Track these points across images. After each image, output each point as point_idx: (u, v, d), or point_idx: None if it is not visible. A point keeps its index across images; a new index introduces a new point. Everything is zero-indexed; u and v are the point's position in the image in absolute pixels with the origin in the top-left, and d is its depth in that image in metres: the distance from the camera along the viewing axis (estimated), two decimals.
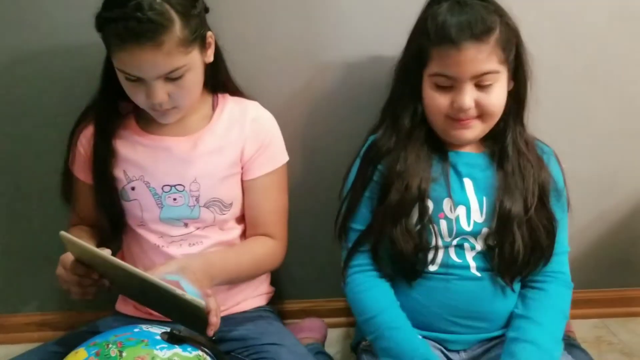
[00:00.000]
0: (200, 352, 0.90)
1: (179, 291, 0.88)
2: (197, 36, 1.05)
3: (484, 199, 1.12)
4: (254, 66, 1.32)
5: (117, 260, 0.92)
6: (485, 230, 1.10)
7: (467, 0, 1.05)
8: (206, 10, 1.10)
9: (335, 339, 1.53)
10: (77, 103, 1.20)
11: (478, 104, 1.05)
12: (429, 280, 1.12)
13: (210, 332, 0.93)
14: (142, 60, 0.99)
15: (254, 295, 1.27)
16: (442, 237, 1.11)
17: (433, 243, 1.11)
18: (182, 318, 0.98)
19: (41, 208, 1.45)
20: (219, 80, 1.20)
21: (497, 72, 1.03)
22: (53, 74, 1.33)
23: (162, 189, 1.14)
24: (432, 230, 1.10)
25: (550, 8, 1.34)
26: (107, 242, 1.18)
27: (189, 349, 0.89)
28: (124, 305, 1.25)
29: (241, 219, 1.24)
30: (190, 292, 0.92)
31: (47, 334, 1.50)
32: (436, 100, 1.07)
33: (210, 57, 1.11)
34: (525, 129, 1.15)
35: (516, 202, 1.09)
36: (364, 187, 1.15)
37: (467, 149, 1.15)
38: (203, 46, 1.08)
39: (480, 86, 1.04)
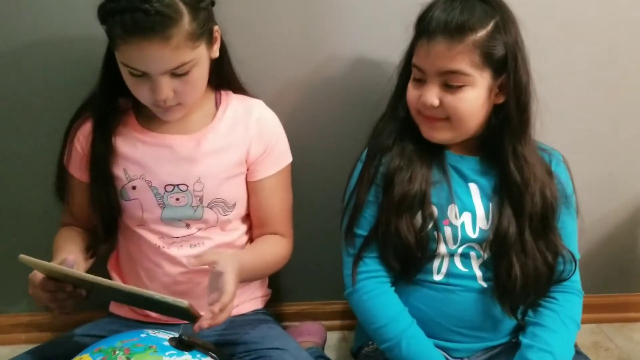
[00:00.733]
0: (209, 359, 0.87)
1: (157, 295, 0.86)
2: (205, 30, 1.02)
3: (490, 205, 1.10)
4: (255, 63, 1.30)
5: (83, 274, 0.91)
6: (491, 237, 1.09)
7: None
8: (212, 3, 1.07)
9: (331, 342, 1.51)
10: (72, 98, 1.16)
11: (444, 104, 1.03)
12: (434, 291, 1.11)
13: (201, 325, 0.89)
14: (148, 54, 0.96)
15: (251, 298, 1.24)
16: (446, 245, 1.09)
17: (437, 250, 1.09)
18: (172, 313, 0.97)
19: (29, 206, 1.41)
20: (223, 77, 1.17)
21: (466, 74, 1.01)
22: (47, 67, 1.30)
23: (165, 188, 1.11)
24: (436, 236, 1.08)
25: (554, 10, 1.34)
26: (99, 243, 1.16)
27: (199, 355, 0.87)
28: (119, 307, 1.21)
29: (243, 219, 1.21)
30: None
31: (35, 335, 1.47)
32: (410, 92, 1.09)
33: (216, 52, 1.08)
34: (530, 145, 1.09)
35: (514, 226, 1.07)
36: (368, 189, 1.13)
37: (461, 152, 1.13)
38: (210, 41, 1.05)
39: (449, 86, 1.02)
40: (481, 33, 1.00)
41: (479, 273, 1.10)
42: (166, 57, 0.97)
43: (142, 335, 0.88)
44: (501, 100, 1.06)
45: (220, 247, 1.16)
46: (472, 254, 1.10)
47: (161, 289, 1.12)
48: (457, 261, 1.10)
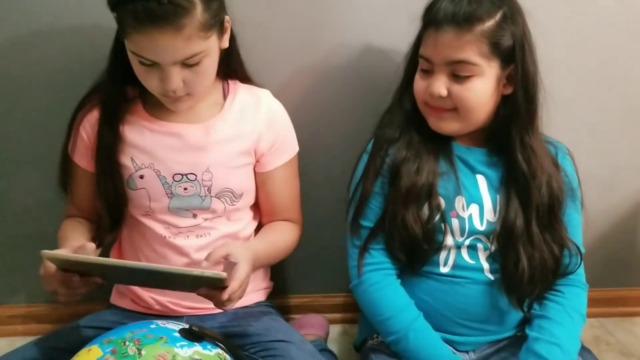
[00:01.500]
0: (220, 351, 0.86)
1: (196, 271, 0.86)
2: (217, 21, 1.00)
3: (497, 197, 1.10)
4: (262, 53, 1.29)
5: (112, 260, 0.91)
6: (498, 229, 1.08)
7: None
8: None
9: (332, 336, 1.50)
10: (77, 86, 1.15)
11: (452, 95, 1.03)
12: (440, 283, 1.10)
13: (225, 295, 0.92)
14: (160, 44, 0.94)
15: (254, 290, 1.23)
16: (453, 237, 1.09)
17: (444, 242, 1.09)
18: (191, 290, 0.97)
19: (29, 196, 1.39)
20: (231, 67, 1.16)
21: (474, 64, 1.01)
22: (52, 55, 1.28)
23: (173, 177, 1.10)
24: (443, 228, 1.08)
25: (559, 5, 1.33)
26: (104, 234, 1.14)
27: (209, 346, 0.86)
28: (120, 299, 1.20)
29: (250, 209, 1.21)
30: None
31: (33, 327, 1.46)
32: (417, 83, 1.08)
33: (226, 42, 1.07)
34: (537, 136, 1.09)
35: (521, 218, 1.07)
36: (374, 181, 1.13)
37: (469, 143, 1.13)
38: (221, 31, 1.04)
39: (457, 76, 1.02)
40: (489, 23, 1.00)
41: (486, 265, 1.10)
42: (178, 48, 0.95)
43: (152, 326, 0.87)
44: (509, 91, 1.06)
45: (226, 237, 1.15)
46: (480, 245, 1.10)
47: None
48: (464, 253, 1.10)
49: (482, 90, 1.03)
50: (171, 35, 0.93)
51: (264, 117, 1.15)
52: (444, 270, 1.10)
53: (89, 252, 0.94)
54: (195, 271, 0.86)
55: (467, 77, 1.02)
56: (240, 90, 1.16)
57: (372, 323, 1.12)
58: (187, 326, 0.87)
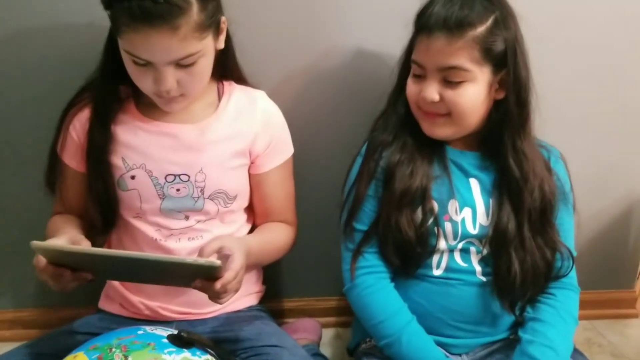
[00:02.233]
0: (209, 357, 0.85)
1: (189, 259, 0.86)
2: (213, 21, 0.99)
3: (490, 200, 1.10)
4: (257, 54, 1.28)
5: (103, 250, 0.89)
6: (491, 233, 1.08)
7: None
8: None
9: (325, 340, 1.49)
10: (66, 84, 1.13)
11: (444, 100, 1.03)
12: (433, 285, 1.10)
13: (219, 284, 0.90)
14: (154, 44, 0.93)
15: (246, 294, 1.22)
16: (446, 240, 1.09)
17: (437, 246, 1.08)
18: (185, 283, 0.95)
19: (16, 198, 1.37)
20: (227, 68, 1.15)
21: (466, 70, 1.01)
22: (41, 53, 1.26)
23: (166, 178, 1.08)
24: (436, 232, 1.08)
25: (550, 9, 1.34)
26: (97, 235, 1.12)
27: (198, 352, 0.85)
28: (109, 304, 1.18)
29: (243, 211, 1.20)
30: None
31: (20, 332, 1.44)
32: (410, 87, 1.09)
33: (221, 43, 1.06)
34: (529, 140, 1.09)
35: (513, 222, 1.07)
36: (368, 184, 1.13)
37: (462, 147, 1.13)
38: (217, 32, 1.03)
39: (449, 82, 1.02)
40: (481, 29, 1.00)
41: (478, 268, 1.10)
42: (173, 48, 0.94)
43: (140, 332, 0.85)
44: (501, 95, 1.06)
45: (222, 235, 1.13)
46: (472, 249, 1.10)
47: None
48: (457, 256, 1.10)
49: (474, 95, 1.03)
50: (166, 35, 0.92)
51: (259, 118, 1.14)
52: (436, 272, 1.10)
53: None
54: (189, 259, 0.86)
55: (459, 83, 1.02)
56: (235, 91, 1.16)
57: (365, 327, 1.11)
58: (175, 332, 0.86)
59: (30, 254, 0.93)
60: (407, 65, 1.11)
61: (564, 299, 1.10)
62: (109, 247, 1.19)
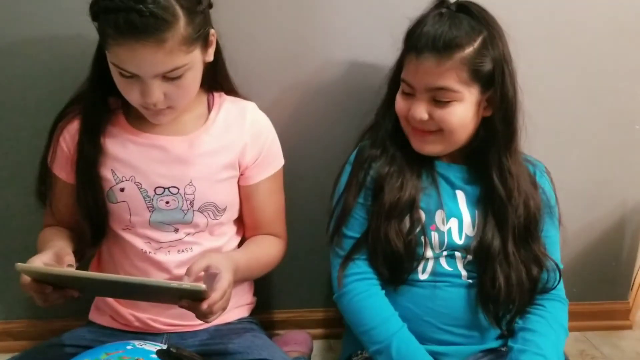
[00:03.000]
0: None
1: (174, 284, 0.86)
2: (201, 35, 0.99)
3: (476, 212, 1.11)
4: (249, 66, 1.28)
5: (87, 273, 0.89)
6: (475, 244, 1.10)
7: (456, 13, 1.05)
8: (210, 5, 1.04)
9: (316, 352, 1.48)
10: (56, 96, 1.13)
11: (433, 118, 1.05)
12: (419, 288, 1.11)
13: (205, 305, 0.90)
14: (140, 57, 0.92)
15: (237, 306, 1.21)
16: (432, 249, 1.10)
17: (424, 255, 1.09)
18: (174, 301, 0.94)
19: (4, 211, 1.36)
20: (216, 80, 1.15)
21: (454, 90, 1.02)
22: (32, 63, 1.26)
23: (155, 191, 1.08)
24: (423, 241, 1.09)
25: (542, 21, 1.34)
26: (86, 247, 1.12)
27: None
28: (99, 316, 1.17)
29: (233, 223, 1.19)
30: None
31: (10, 344, 1.43)
32: (399, 104, 1.10)
33: (210, 56, 1.06)
34: (515, 158, 1.10)
35: (498, 239, 1.09)
36: (357, 192, 1.13)
37: (449, 161, 1.15)
38: (205, 45, 1.03)
39: (437, 101, 1.04)
40: (469, 50, 1.02)
41: (464, 272, 1.11)
42: (159, 61, 0.94)
43: (128, 347, 0.85)
44: (489, 113, 1.08)
45: (210, 251, 1.12)
46: (457, 254, 1.11)
47: None
48: (443, 261, 1.11)
49: (462, 114, 1.05)
50: (152, 48, 0.91)
51: (249, 130, 1.13)
52: (422, 277, 1.11)
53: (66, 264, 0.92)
54: (173, 284, 0.85)
55: (448, 102, 1.04)
56: (225, 103, 1.15)
57: (356, 333, 1.11)
58: (165, 347, 0.85)
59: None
60: (396, 80, 1.12)
61: (553, 310, 1.11)
62: (99, 259, 1.19)
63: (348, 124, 1.32)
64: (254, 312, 1.27)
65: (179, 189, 1.08)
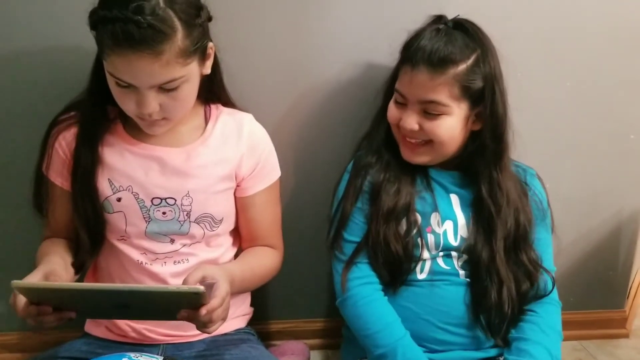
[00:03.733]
0: None
1: (172, 287, 0.86)
2: (199, 47, 0.99)
3: (471, 214, 1.14)
4: (246, 79, 1.28)
5: (84, 285, 0.89)
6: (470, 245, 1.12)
7: (453, 30, 1.08)
8: (209, 19, 1.04)
9: None
10: (55, 107, 1.12)
11: (423, 129, 1.09)
12: (418, 288, 1.13)
13: (204, 310, 0.88)
14: (137, 67, 0.92)
15: (234, 317, 1.21)
16: (429, 250, 1.12)
17: (421, 255, 1.12)
18: (171, 315, 0.92)
19: (5, 218, 1.35)
20: (213, 92, 1.15)
21: (444, 105, 1.06)
22: (27, 71, 1.25)
23: (152, 201, 1.07)
24: (420, 243, 1.11)
25: (538, 30, 1.35)
26: (85, 257, 1.10)
27: None
28: (95, 327, 1.17)
29: (230, 235, 1.19)
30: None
31: (6, 356, 1.42)
32: (391, 112, 1.14)
33: (208, 68, 1.05)
34: (505, 173, 1.12)
35: (487, 251, 1.11)
36: (356, 198, 1.16)
37: (441, 168, 1.17)
38: (203, 57, 1.02)
39: (428, 113, 1.08)
40: (462, 67, 1.05)
41: (461, 271, 1.13)
42: (155, 72, 0.93)
43: None
44: (478, 127, 1.11)
45: (205, 263, 1.12)
46: (454, 254, 1.13)
47: None
48: (440, 260, 1.13)
49: (451, 127, 1.08)
50: (149, 59, 0.91)
51: (245, 141, 1.13)
52: (421, 276, 1.13)
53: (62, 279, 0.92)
54: (171, 287, 0.85)
55: (437, 115, 1.07)
56: (222, 115, 1.15)
57: (358, 337, 1.12)
58: (161, 358, 0.85)
59: (12, 273, 0.92)
60: (391, 89, 1.15)
61: (546, 314, 1.12)
62: (95, 270, 1.18)
63: (344, 136, 1.33)
64: (250, 323, 1.26)
65: (176, 200, 1.08)
